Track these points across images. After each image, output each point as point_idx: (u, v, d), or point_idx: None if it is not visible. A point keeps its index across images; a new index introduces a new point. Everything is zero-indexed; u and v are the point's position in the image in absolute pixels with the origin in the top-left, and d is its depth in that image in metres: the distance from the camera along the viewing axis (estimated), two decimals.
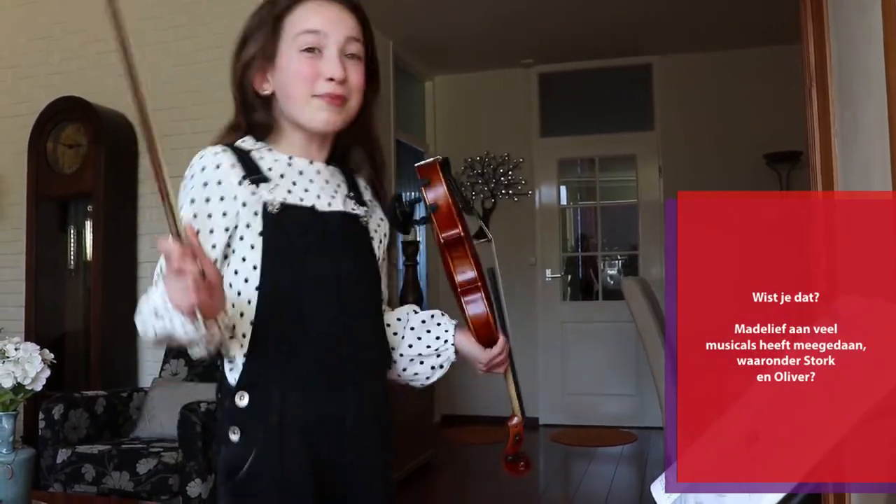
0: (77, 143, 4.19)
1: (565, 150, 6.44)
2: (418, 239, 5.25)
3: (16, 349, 1.89)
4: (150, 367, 4.17)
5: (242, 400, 1.23)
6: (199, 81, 4.19)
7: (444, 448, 5.40)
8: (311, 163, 1.33)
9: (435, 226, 1.35)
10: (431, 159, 1.39)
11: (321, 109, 1.26)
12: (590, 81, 6.40)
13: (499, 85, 6.49)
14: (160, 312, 1.10)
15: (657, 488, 0.99)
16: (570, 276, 6.60)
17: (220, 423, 1.26)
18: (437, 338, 1.40)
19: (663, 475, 0.99)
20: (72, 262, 4.36)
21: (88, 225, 4.22)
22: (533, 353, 6.28)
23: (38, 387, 1.92)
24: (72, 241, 4.35)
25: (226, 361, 1.26)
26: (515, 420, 1.46)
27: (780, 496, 0.71)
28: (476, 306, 1.35)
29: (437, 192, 1.34)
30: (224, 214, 1.23)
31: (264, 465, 1.21)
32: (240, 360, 1.23)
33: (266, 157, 1.30)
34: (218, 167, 1.24)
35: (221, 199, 1.23)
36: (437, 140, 6.60)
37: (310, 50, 1.27)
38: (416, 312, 1.44)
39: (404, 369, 1.41)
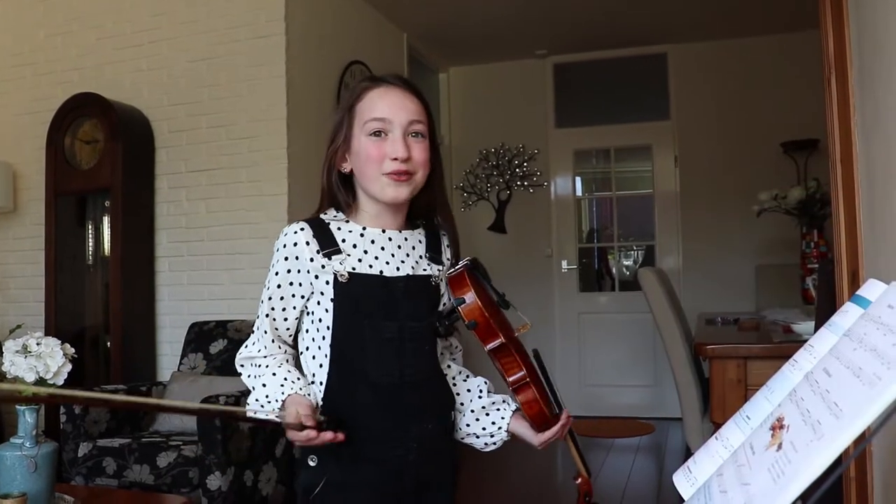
0: (94, 138, 4.21)
1: (580, 141, 6.42)
2: None
3: (38, 344, 1.90)
4: (168, 361, 4.20)
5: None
6: (214, 76, 4.20)
7: (465, 445, 5.40)
8: (384, 231, 1.49)
9: (478, 339, 1.46)
10: (460, 266, 1.49)
11: (388, 186, 1.44)
12: (605, 71, 6.37)
13: (513, 76, 6.48)
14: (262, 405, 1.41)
15: (680, 478, 0.99)
16: (585, 267, 6.58)
17: (303, 449, 1.45)
18: (493, 423, 1.58)
19: (686, 465, 0.99)
20: (90, 257, 4.39)
21: (106, 220, 4.25)
22: (550, 345, 6.27)
23: (60, 381, 1.93)
24: (90, 236, 4.38)
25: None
26: (580, 480, 1.56)
27: (806, 484, 0.71)
28: (529, 401, 1.46)
29: (472, 307, 1.44)
30: (300, 285, 1.45)
31: (334, 490, 1.42)
32: (318, 401, 1.43)
33: (343, 227, 1.48)
34: (296, 245, 1.44)
35: (298, 271, 1.45)
36: (451, 132, 6.60)
37: (377, 134, 1.44)
38: (480, 396, 1.60)
39: (461, 439, 1.60)
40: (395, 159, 1.42)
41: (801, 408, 0.82)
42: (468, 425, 1.58)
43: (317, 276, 1.43)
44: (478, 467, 4.90)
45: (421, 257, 1.51)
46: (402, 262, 1.48)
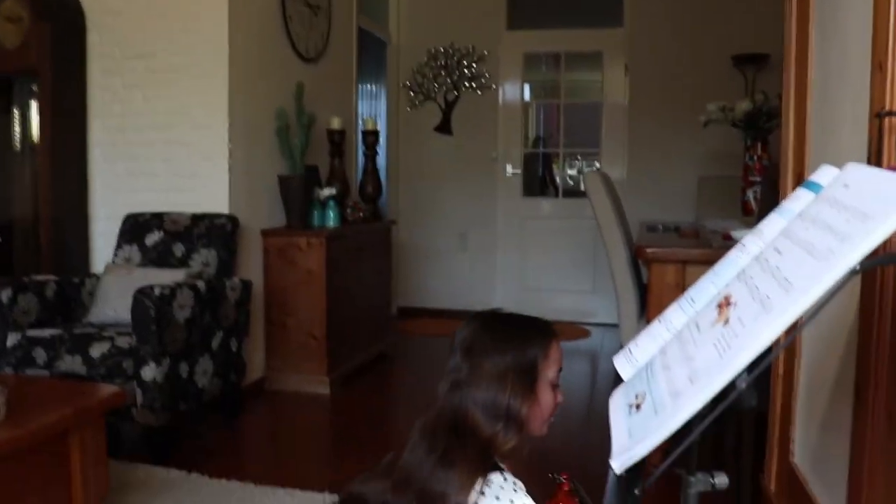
0: (18, 16, 3.95)
1: (531, 44, 6.30)
2: (378, 129, 5.14)
3: None
4: (102, 253, 4.08)
5: None
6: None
7: (400, 339, 5.46)
8: None
9: None
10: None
11: (545, 427, 1.55)
12: None
13: None
14: None
15: (620, 360, 0.98)
16: (530, 174, 6.57)
17: None
18: None
19: (627, 347, 0.98)
20: (18, 144, 4.18)
21: (34, 105, 4.03)
22: (492, 248, 6.31)
23: None
24: (16, 121, 4.17)
25: None
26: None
27: (754, 355, 0.69)
28: None
29: None
30: None
31: None
32: None
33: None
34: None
35: None
36: (400, 29, 6.40)
37: (555, 386, 1.55)
38: None
39: None
40: (558, 405, 1.56)
41: (749, 285, 0.81)
42: None
43: None
44: (419, 362, 4.96)
45: None
46: None
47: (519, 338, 1.56)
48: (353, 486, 1.57)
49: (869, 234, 0.66)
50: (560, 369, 1.56)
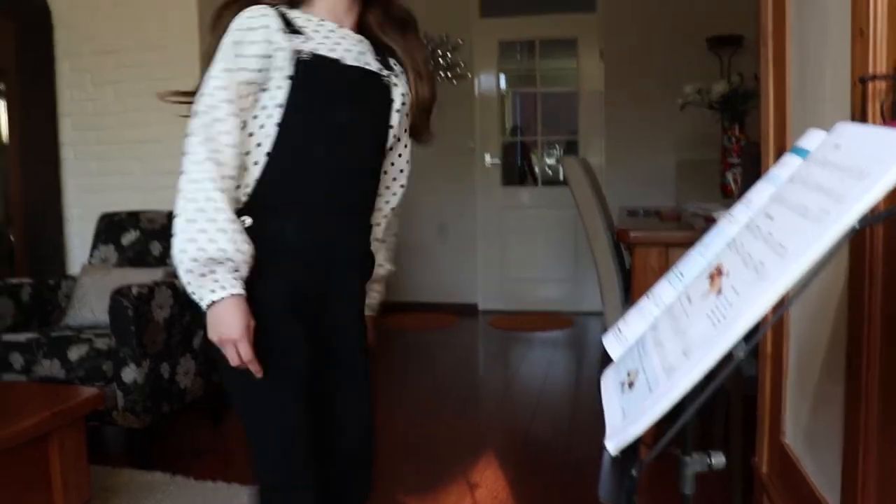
0: None
1: (505, 32, 6.26)
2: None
3: None
4: (78, 253, 4.02)
5: (244, 223, 1.36)
6: None
7: (381, 334, 5.42)
8: (340, 26, 1.47)
9: None
10: None
11: None
12: None
13: None
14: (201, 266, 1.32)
15: (610, 339, 0.96)
16: (508, 164, 6.54)
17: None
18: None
19: (616, 325, 0.95)
20: None
21: (2, 105, 3.95)
22: (472, 239, 6.28)
23: None
24: None
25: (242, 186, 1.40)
26: None
27: (751, 323, 0.67)
28: None
29: None
30: (264, 56, 1.37)
31: (260, 282, 1.36)
32: (251, 188, 1.40)
33: (300, 17, 1.44)
34: (267, 27, 1.37)
35: (264, 42, 1.37)
36: None
37: None
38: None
39: None
40: None
41: (741, 253, 0.78)
42: None
43: (281, 49, 1.38)
44: (400, 356, 4.93)
45: (372, 59, 1.50)
46: (358, 57, 1.46)
47: None
48: None
49: (867, 191, 0.64)
50: None
